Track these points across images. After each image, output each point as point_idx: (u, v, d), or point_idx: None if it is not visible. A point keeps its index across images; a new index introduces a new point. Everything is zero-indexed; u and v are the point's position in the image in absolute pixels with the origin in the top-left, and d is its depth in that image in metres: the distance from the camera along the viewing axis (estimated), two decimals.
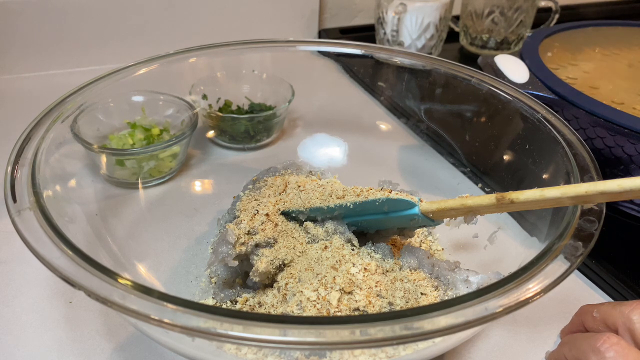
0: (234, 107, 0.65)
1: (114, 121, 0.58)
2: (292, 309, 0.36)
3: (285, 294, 0.38)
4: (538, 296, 0.28)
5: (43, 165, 0.37)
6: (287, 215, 0.43)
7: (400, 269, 0.39)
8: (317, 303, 0.35)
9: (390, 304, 0.36)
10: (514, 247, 0.43)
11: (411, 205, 0.38)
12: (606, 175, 0.49)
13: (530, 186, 0.33)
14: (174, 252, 0.48)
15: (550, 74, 0.56)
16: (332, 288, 0.36)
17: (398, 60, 0.58)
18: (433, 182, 0.59)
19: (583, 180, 0.37)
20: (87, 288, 0.27)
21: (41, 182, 0.35)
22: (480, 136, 0.57)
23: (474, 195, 0.36)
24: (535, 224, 0.40)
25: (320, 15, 0.95)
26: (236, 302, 0.42)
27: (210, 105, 0.64)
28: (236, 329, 0.25)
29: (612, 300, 0.46)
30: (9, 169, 0.35)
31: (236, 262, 0.40)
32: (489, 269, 0.38)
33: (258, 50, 0.59)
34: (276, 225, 0.41)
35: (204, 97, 0.64)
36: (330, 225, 0.41)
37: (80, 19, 0.78)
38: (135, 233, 0.48)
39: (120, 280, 0.28)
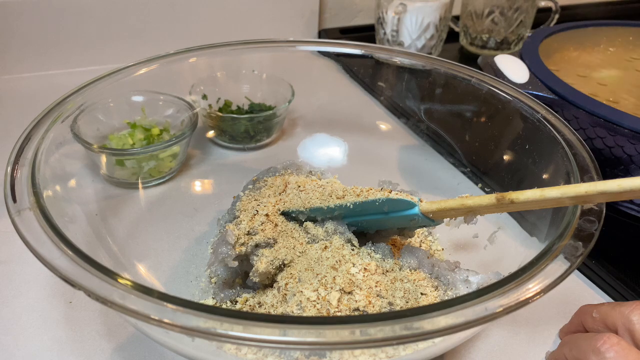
0: (234, 107, 0.65)
1: (114, 121, 0.58)
2: (292, 309, 0.36)
3: (285, 294, 0.38)
4: (538, 296, 0.28)
5: (43, 165, 0.37)
6: (287, 215, 0.43)
7: (400, 269, 0.39)
8: (317, 303, 0.35)
9: (390, 304, 0.36)
10: (514, 247, 0.43)
11: (411, 205, 0.38)
12: (606, 175, 0.49)
13: (530, 186, 0.33)
14: (174, 252, 0.48)
15: (550, 74, 0.56)
16: (332, 288, 0.36)
17: (398, 60, 0.58)
18: (433, 182, 0.59)
19: (583, 180, 0.37)
20: (87, 288, 0.27)
21: (41, 182, 0.35)
22: (480, 136, 0.57)
23: (474, 195, 0.36)
24: (535, 224, 0.40)
25: (320, 15, 0.95)
26: (236, 302, 0.42)
27: (210, 105, 0.64)
28: (236, 329, 0.25)
29: (612, 301, 0.46)
30: (9, 169, 0.35)
31: (236, 263, 0.40)
32: (489, 269, 0.38)
33: (258, 50, 0.59)
34: (276, 225, 0.41)
35: (204, 97, 0.64)
36: (330, 226, 0.41)
37: (80, 19, 0.78)
38: (135, 233, 0.48)
39: (120, 280, 0.28)
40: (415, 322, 0.26)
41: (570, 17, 0.93)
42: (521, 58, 0.59)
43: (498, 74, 0.56)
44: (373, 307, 0.36)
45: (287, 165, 0.50)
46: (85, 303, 0.43)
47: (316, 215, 0.42)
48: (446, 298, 0.38)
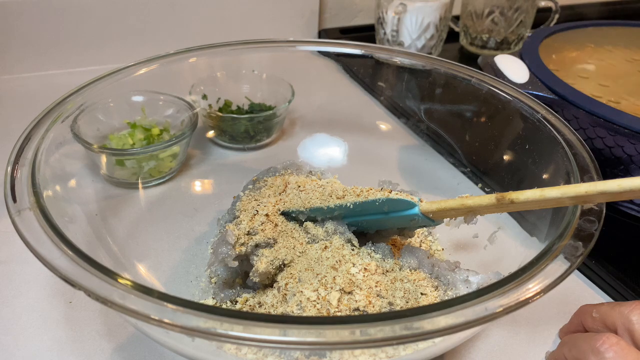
0: (234, 107, 0.65)
1: (114, 121, 0.58)
2: (292, 309, 0.36)
3: (285, 294, 0.38)
4: (538, 296, 0.28)
5: (43, 165, 0.37)
6: (287, 215, 0.43)
7: (400, 269, 0.39)
8: (317, 303, 0.35)
9: (390, 304, 0.36)
10: (514, 247, 0.43)
11: (411, 205, 0.38)
12: (606, 175, 0.49)
13: (530, 186, 0.33)
14: (174, 252, 0.48)
15: (550, 74, 0.56)
16: (332, 288, 0.36)
17: (398, 60, 0.58)
18: (433, 182, 0.59)
19: (583, 180, 0.37)
20: (87, 288, 0.27)
21: (41, 182, 0.35)
22: (480, 136, 0.57)
23: (474, 195, 0.36)
24: (535, 224, 0.40)
25: (320, 15, 0.95)
26: (236, 302, 0.42)
27: (210, 105, 0.64)
28: (236, 329, 0.25)
29: (612, 301, 0.46)
30: (9, 169, 0.35)
31: (236, 263, 0.40)
32: (489, 269, 0.38)
33: (258, 50, 0.59)
34: (276, 225, 0.41)
35: (204, 97, 0.64)
36: (330, 226, 0.41)
37: (80, 19, 0.78)
38: (135, 233, 0.48)
39: (120, 280, 0.28)
40: (415, 322, 0.26)
41: (570, 17, 0.93)
42: (521, 58, 0.59)
43: (498, 74, 0.56)
44: (373, 307, 0.36)
45: (287, 165, 0.50)
46: (85, 303, 0.43)
47: (316, 215, 0.42)
48: (446, 298, 0.38)
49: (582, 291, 0.47)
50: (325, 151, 0.61)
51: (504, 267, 0.36)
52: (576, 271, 0.49)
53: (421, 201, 0.38)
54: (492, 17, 0.87)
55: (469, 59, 0.90)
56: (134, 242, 0.46)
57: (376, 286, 0.37)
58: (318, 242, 0.41)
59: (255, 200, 0.45)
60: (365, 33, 0.92)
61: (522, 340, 0.42)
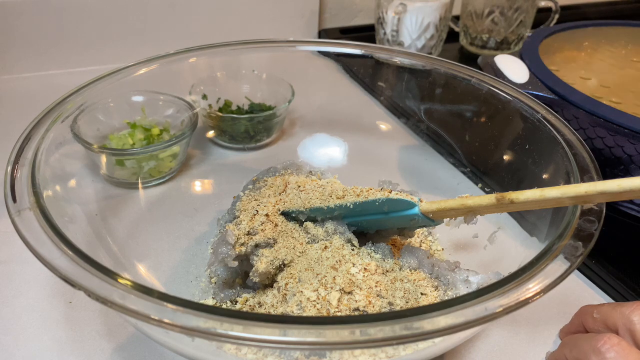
0: (234, 107, 0.65)
1: (114, 121, 0.58)
2: (292, 309, 0.36)
3: (285, 294, 0.38)
4: (538, 296, 0.28)
5: (43, 165, 0.37)
6: (287, 215, 0.43)
7: (400, 269, 0.39)
8: (317, 303, 0.35)
9: (390, 304, 0.36)
10: (514, 247, 0.43)
11: (411, 205, 0.38)
12: (606, 175, 0.49)
13: (530, 186, 0.33)
14: (174, 252, 0.48)
15: (550, 74, 0.56)
16: (332, 288, 0.36)
17: (398, 60, 0.58)
18: (433, 182, 0.59)
19: (583, 180, 0.37)
20: (87, 288, 0.27)
21: (41, 182, 0.35)
22: (480, 136, 0.57)
23: (474, 195, 0.36)
24: (535, 224, 0.40)
25: (320, 15, 0.95)
26: (236, 302, 0.42)
27: (210, 105, 0.64)
28: (236, 329, 0.25)
29: (612, 301, 0.46)
30: (9, 169, 0.35)
31: (236, 263, 0.40)
32: (489, 269, 0.38)
33: (258, 50, 0.59)
34: (276, 225, 0.41)
35: (204, 97, 0.64)
36: (330, 226, 0.41)
37: (80, 19, 0.78)
38: (135, 233, 0.48)
39: (120, 280, 0.28)
40: (415, 322, 0.26)
41: (570, 17, 0.92)
42: (521, 58, 0.59)
43: (498, 74, 0.56)
44: (373, 307, 0.36)
45: (287, 165, 0.50)
46: (85, 303, 0.43)
47: (316, 215, 0.42)
48: (446, 298, 0.38)
49: (582, 291, 0.47)
50: (325, 151, 0.61)
51: (504, 267, 0.36)
52: (576, 271, 0.49)
53: (421, 201, 0.38)
54: (492, 17, 0.87)
55: (469, 59, 0.90)
56: (134, 242, 0.46)
57: (376, 286, 0.37)
58: (318, 242, 0.41)
59: (255, 200, 0.45)
60: (365, 33, 0.92)
61: (522, 340, 0.42)
